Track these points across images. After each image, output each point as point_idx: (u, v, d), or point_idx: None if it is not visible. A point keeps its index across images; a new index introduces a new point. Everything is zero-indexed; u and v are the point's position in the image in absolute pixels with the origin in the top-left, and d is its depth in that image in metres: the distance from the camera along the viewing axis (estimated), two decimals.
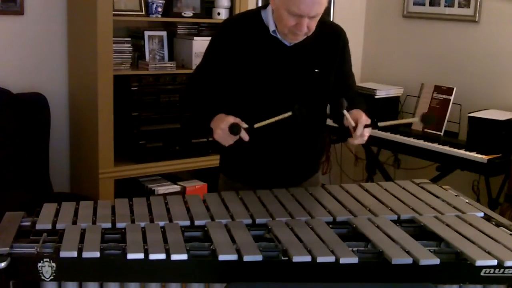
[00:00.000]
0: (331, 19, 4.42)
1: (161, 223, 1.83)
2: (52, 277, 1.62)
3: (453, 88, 3.86)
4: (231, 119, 1.98)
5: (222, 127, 1.98)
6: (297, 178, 2.25)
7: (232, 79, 2.13)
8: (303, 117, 1.97)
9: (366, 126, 2.00)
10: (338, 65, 2.20)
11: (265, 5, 2.14)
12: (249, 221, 1.89)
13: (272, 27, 2.09)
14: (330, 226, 1.87)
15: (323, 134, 2.34)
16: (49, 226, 1.80)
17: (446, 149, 3.56)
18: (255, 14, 2.15)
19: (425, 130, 3.90)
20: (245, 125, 1.99)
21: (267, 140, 2.16)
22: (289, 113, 1.97)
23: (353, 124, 1.99)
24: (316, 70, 2.14)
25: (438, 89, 3.93)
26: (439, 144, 3.63)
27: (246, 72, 2.11)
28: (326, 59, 2.16)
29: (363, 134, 2.00)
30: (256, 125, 2.00)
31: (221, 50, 2.14)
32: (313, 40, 2.10)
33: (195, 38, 3.59)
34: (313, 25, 2.02)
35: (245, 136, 1.98)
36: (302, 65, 2.13)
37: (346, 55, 2.23)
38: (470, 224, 1.92)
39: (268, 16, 2.10)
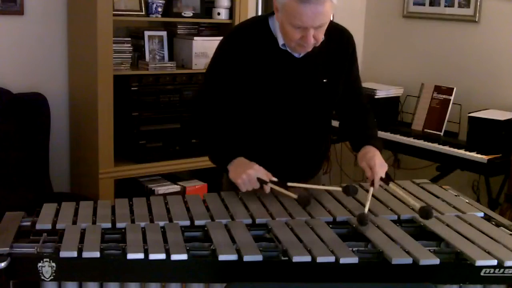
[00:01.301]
0: (331, 19, 4.42)
1: (161, 223, 1.83)
2: (52, 277, 1.62)
3: (453, 88, 3.86)
4: (258, 169, 1.97)
5: (250, 174, 1.96)
6: (299, 179, 2.25)
7: (241, 91, 2.10)
8: (353, 194, 2.04)
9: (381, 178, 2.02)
10: (347, 70, 2.19)
11: (272, 12, 2.08)
12: (249, 221, 1.89)
13: (281, 41, 2.05)
14: (330, 226, 1.87)
15: (328, 139, 2.33)
16: (49, 226, 1.80)
17: (446, 149, 3.56)
18: (262, 23, 2.10)
19: (425, 130, 3.90)
20: (274, 179, 1.98)
21: (271, 142, 2.16)
22: (339, 189, 2.03)
23: (371, 176, 2.02)
24: (324, 80, 2.12)
25: (438, 89, 3.93)
26: (439, 144, 3.63)
27: (254, 84, 2.08)
28: (335, 67, 2.14)
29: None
30: (289, 184, 2.01)
31: (228, 63, 2.08)
32: (322, 48, 2.06)
33: (195, 38, 3.59)
34: (320, 35, 1.97)
35: (267, 188, 1.98)
36: (310, 76, 2.11)
37: (354, 60, 2.22)
38: (470, 224, 1.92)
39: (276, 27, 2.06)
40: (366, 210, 1.93)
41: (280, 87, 2.09)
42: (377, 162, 2.02)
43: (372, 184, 2.01)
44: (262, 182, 1.96)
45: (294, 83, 2.10)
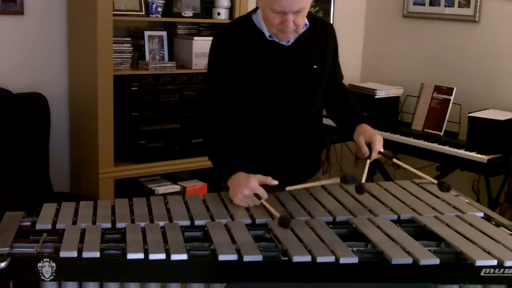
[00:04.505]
0: (331, 19, 4.44)
1: (161, 223, 1.83)
2: (52, 277, 1.62)
3: (453, 88, 3.86)
4: (254, 186, 1.96)
5: (246, 194, 1.96)
6: (298, 176, 2.26)
7: (239, 88, 2.12)
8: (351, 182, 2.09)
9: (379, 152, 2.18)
10: (333, 59, 2.27)
11: (255, 9, 2.15)
12: (249, 221, 1.89)
13: (267, 32, 2.08)
14: (330, 226, 1.87)
15: (321, 129, 2.35)
16: (49, 226, 1.80)
17: (446, 149, 3.56)
18: (247, 20, 2.15)
19: (425, 130, 3.90)
20: (275, 182, 2.01)
21: (265, 138, 2.18)
22: (337, 180, 2.09)
23: (368, 153, 2.16)
24: (315, 67, 2.17)
25: (438, 89, 3.93)
26: (439, 144, 3.63)
27: (250, 78, 2.11)
28: (322, 55, 2.20)
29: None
30: (287, 188, 2.08)
31: (222, 64, 2.12)
32: (308, 37, 2.12)
33: (195, 38, 3.60)
34: (300, 20, 2.00)
35: (264, 195, 1.97)
36: (301, 63, 2.15)
37: (336, 50, 2.31)
38: (470, 224, 1.92)
39: (260, 21, 2.10)
40: (364, 180, 2.12)
41: (274, 76, 2.12)
42: (377, 138, 2.17)
43: (369, 157, 2.15)
44: (258, 197, 1.97)
45: (286, 70, 2.13)
